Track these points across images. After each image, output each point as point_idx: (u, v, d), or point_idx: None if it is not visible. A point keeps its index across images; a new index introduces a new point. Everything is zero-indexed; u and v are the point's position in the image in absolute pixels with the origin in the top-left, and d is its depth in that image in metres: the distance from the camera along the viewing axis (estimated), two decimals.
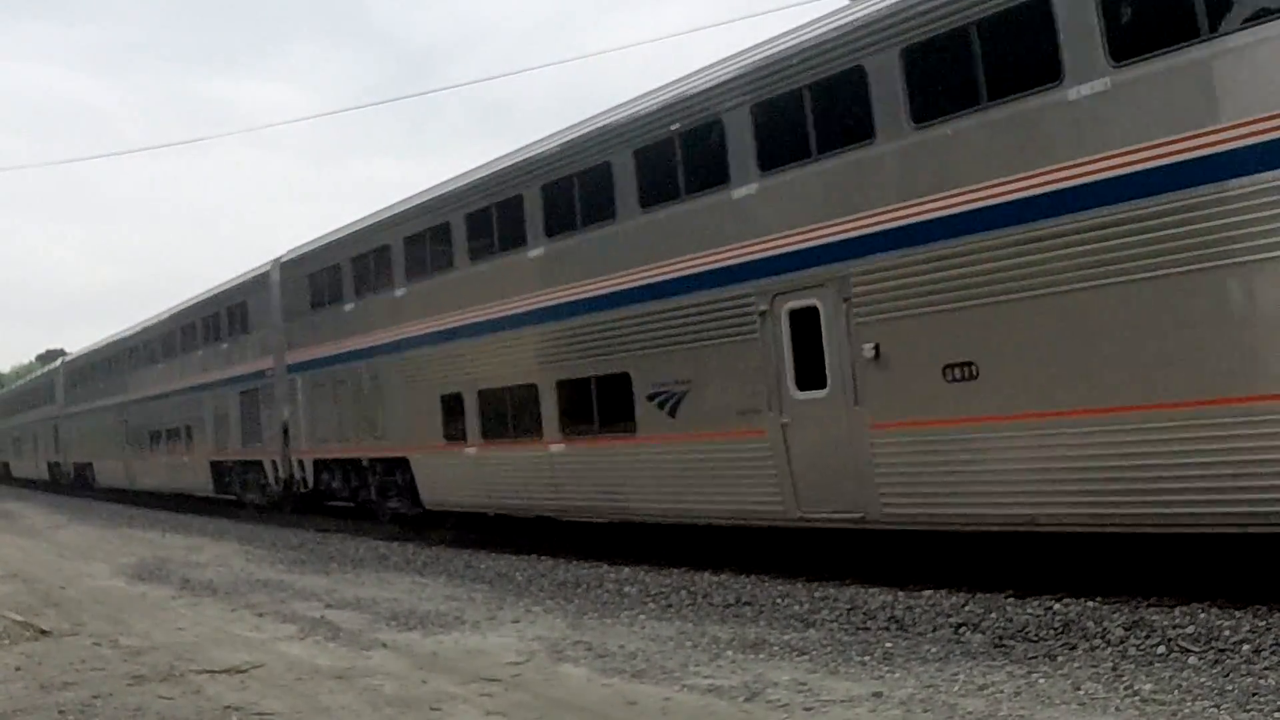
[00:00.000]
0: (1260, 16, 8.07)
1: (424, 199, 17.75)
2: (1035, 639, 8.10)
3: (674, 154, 12.92)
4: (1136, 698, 6.39)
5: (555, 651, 8.83)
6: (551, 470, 14.75)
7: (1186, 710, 6.09)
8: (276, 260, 23.12)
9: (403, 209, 18.39)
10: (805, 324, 11.23)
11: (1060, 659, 7.52)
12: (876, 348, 10.47)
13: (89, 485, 39.14)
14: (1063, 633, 8.12)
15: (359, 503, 20.63)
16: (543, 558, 14.69)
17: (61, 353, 51.66)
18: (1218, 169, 8.20)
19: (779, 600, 10.42)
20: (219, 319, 26.26)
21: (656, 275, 13.12)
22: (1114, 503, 8.89)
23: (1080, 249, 8.96)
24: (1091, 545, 9.84)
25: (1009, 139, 9.52)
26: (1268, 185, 7.95)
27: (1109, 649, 7.61)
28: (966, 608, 9.15)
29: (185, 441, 28.53)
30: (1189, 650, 7.31)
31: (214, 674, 8.48)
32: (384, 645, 9.44)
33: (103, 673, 8.73)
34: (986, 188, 9.65)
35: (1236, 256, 8.11)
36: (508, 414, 15.59)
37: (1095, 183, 8.89)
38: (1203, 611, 8.12)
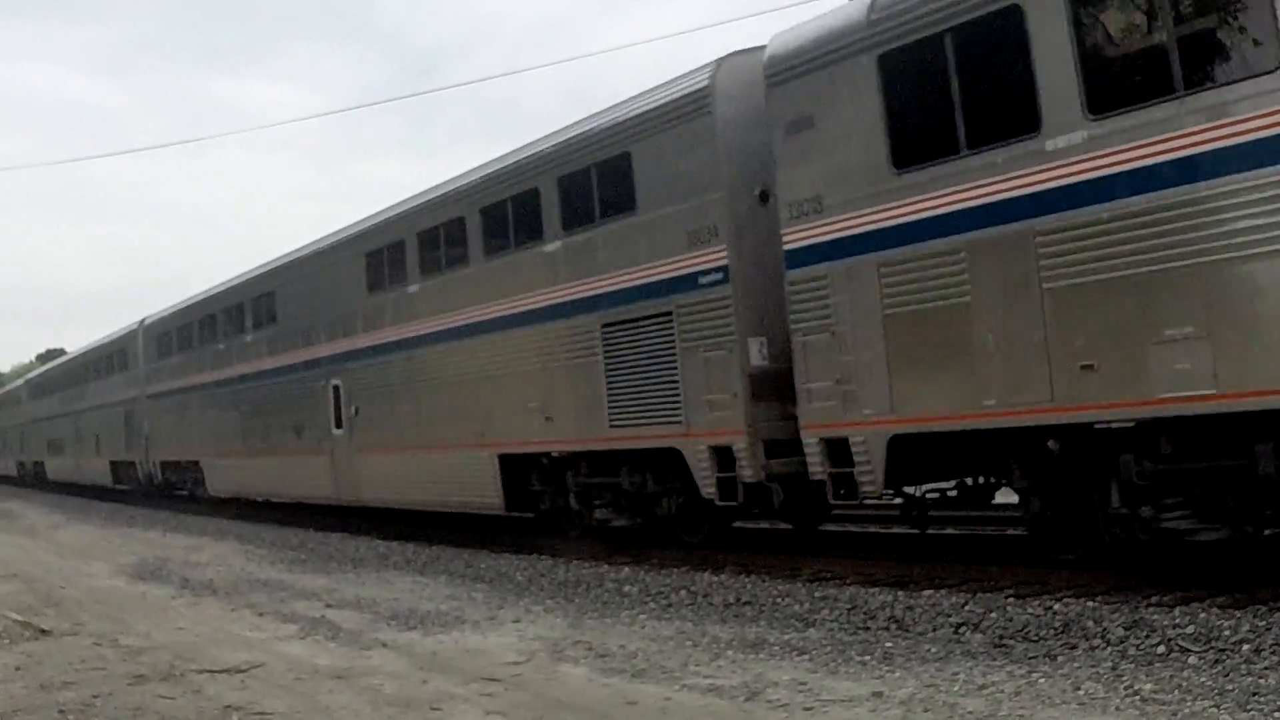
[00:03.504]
0: None
1: (207, 295, 26.94)
2: (1035, 639, 8.10)
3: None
4: (1136, 698, 6.38)
5: (555, 651, 8.83)
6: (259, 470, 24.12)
7: (1186, 710, 6.09)
8: (142, 321, 32.18)
9: (201, 299, 27.37)
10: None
11: (1060, 659, 7.51)
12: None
13: (44, 480, 47.00)
14: (1063, 633, 8.11)
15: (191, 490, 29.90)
16: (543, 557, 14.70)
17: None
18: None
19: (779, 600, 10.41)
20: (113, 358, 35.35)
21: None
22: None
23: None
24: (1092, 545, 9.84)
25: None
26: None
27: (1109, 649, 7.60)
28: (966, 608, 9.14)
29: (95, 446, 37.70)
30: (1189, 650, 7.31)
31: (214, 674, 8.48)
32: (384, 645, 9.44)
33: (103, 672, 8.74)
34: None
35: None
36: (250, 436, 24.36)
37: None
38: (1203, 611, 8.11)
